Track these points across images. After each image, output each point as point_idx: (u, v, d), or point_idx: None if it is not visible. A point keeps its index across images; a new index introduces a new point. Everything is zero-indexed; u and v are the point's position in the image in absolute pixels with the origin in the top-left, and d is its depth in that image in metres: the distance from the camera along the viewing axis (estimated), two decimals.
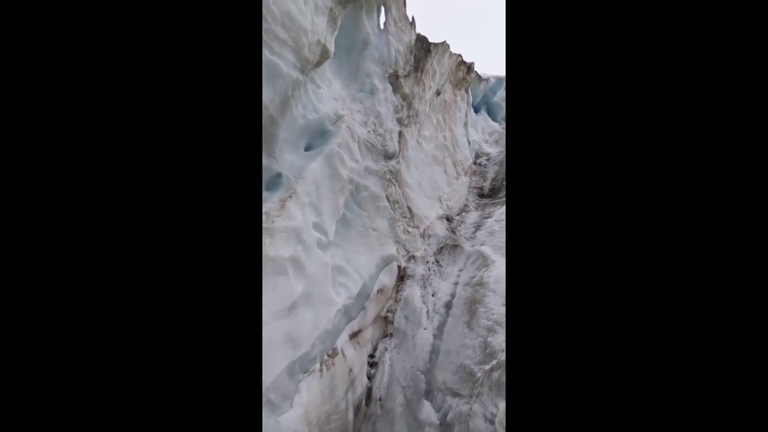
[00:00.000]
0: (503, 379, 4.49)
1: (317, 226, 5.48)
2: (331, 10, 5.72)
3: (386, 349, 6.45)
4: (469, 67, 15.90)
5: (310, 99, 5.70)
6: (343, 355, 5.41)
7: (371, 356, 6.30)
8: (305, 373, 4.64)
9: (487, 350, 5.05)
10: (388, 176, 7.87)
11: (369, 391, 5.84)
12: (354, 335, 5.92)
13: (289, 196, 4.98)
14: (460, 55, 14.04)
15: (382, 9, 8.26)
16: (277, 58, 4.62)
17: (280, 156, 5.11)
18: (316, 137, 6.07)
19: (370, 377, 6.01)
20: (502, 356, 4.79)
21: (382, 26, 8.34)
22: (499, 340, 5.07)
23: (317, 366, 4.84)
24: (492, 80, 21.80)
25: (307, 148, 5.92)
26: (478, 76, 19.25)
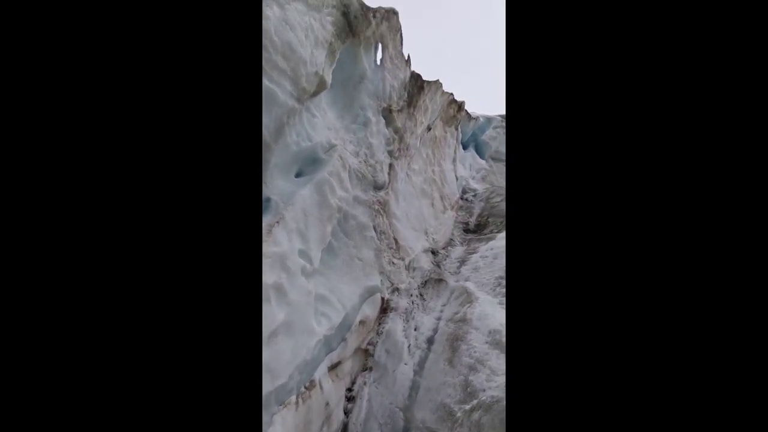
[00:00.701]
0: (483, 419, 4.40)
1: (303, 254, 5.42)
2: (330, 44, 5.91)
3: (365, 383, 6.27)
4: (460, 106, 16.43)
5: (305, 127, 5.79)
6: (321, 387, 5.24)
7: (349, 390, 6.11)
8: (280, 405, 4.46)
9: (468, 389, 4.97)
10: (376, 206, 7.91)
11: (345, 427, 5.62)
12: (333, 367, 5.76)
13: (277, 222, 4.95)
14: (451, 94, 14.53)
15: (380, 46, 8.57)
16: (275, 86, 4.72)
17: (271, 181, 5.12)
18: (308, 165, 6.12)
19: (347, 412, 5.80)
20: (483, 396, 4.71)
21: (378, 62, 8.62)
22: (481, 378, 5.00)
23: (293, 398, 4.66)
24: (481, 119, 22.48)
25: (298, 175, 5.95)
26: (468, 115, 19.85)
